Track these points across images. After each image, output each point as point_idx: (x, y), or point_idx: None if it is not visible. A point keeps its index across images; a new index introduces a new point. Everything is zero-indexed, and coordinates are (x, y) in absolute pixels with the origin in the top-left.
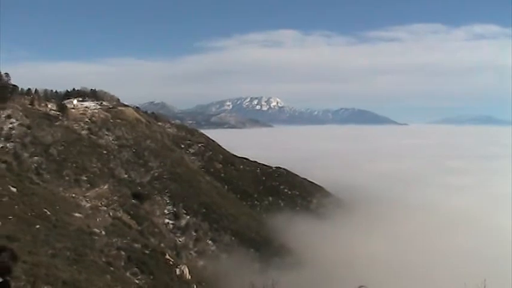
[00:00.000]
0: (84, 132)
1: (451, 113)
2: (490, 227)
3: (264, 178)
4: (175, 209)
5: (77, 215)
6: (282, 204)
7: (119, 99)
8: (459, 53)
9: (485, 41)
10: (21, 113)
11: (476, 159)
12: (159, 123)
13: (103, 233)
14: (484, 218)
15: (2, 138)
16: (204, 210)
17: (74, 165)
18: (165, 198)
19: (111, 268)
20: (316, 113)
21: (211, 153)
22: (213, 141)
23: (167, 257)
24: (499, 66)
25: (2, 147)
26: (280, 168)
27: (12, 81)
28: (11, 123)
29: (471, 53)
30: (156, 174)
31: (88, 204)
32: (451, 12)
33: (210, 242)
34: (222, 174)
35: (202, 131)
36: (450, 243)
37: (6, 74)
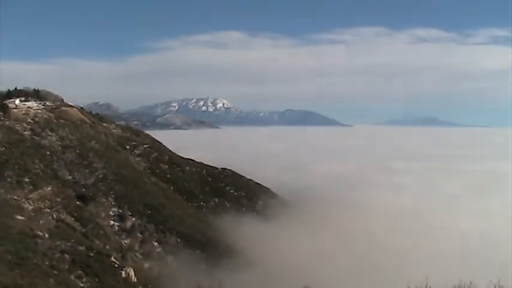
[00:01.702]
0: (26, 132)
1: (395, 115)
2: (433, 226)
3: (210, 179)
4: (120, 211)
5: (19, 217)
6: (228, 205)
7: (62, 100)
8: (403, 56)
9: (428, 44)
10: None
11: (420, 160)
12: (104, 124)
13: (46, 235)
14: (427, 217)
15: None
16: (149, 211)
17: (16, 166)
18: (110, 199)
19: (55, 271)
20: (262, 114)
21: (156, 154)
22: (159, 142)
23: (112, 259)
24: (441, 69)
25: None
26: (226, 169)
27: None
28: None
29: (414, 56)
30: (100, 175)
31: (31, 207)
32: (394, 16)
33: (155, 243)
34: (168, 176)
35: (147, 132)
36: (394, 242)
37: None
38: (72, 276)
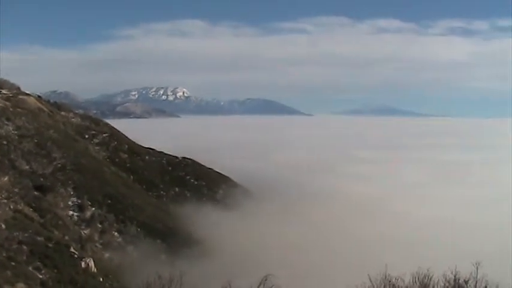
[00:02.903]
0: None
1: (355, 104)
2: (396, 214)
3: (170, 168)
4: (79, 201)
5: None
6: (188, 194)
7: (19, 88)
8: (363, 46)
9: (389, 35)
10: None
11: (382, 149)
12: (62, 113)
13: (3, 226)
14: (390, 205)
15: None
16: (109, 201)
17: None
18: (69, 189)
19: (12, 263)
20: (222, 103)
21: (116, 143)
22: (118, 131)
23: (72, 250)
24: (401, 59)
25: None
26: (187, 158)
27: None
28: None
29: (375, 46)
30: (59, 165)
31: None
32: (356, 6)
33: (115, 233)
34: (128, 165)
35: (107, 121)
36: (357, 230)
37: None
38: (30, 268)
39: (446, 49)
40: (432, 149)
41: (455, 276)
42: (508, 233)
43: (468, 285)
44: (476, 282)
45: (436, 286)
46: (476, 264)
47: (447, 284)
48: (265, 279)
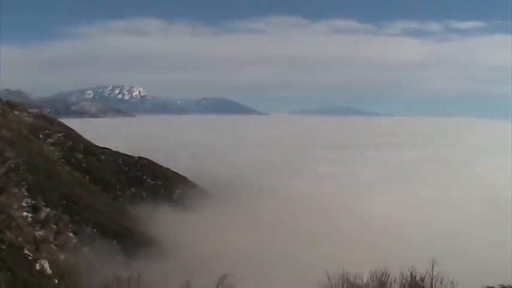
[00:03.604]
0: None
1: (312, 104)
2: (352, 213)
3: (126, 168)
4: (33, 202)
5: None
6: (144, 194)
7: None
8: (320, 46)
9: (345, 36)
10: None
11: (338, 149)
12: (16, 112)
13: None
14: (347, 204)
15: None
16: (64, 202)
17: None
18: (22, 190)
19: None
20: (179, 102)
21: (71, 143)
22: (74, 130)
23: (26, 251)
24: (357, 59)
25: None
26: (143, 158)
27: None
28: None
29: (331, 46)
30: (12, 165)
31: None
32: (312, 6)
33: (71, 234)
34: (83, 165)
35: (62, 120)
36: (314, 230)
37: None
38: None
39: (401, 49)
40: (387, 148)
41: (411, 274)
42: (461, 230)
43: (424, 282)
44: (432, 279)
45: (393, 284)
46: (432, 261)
47: (404, 282)
48: (223, 279)
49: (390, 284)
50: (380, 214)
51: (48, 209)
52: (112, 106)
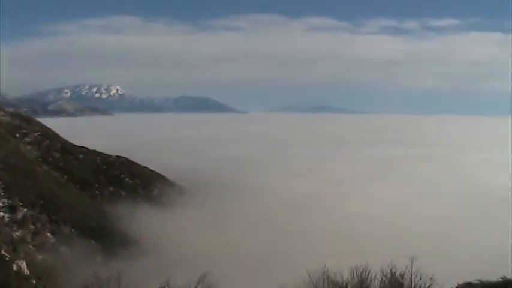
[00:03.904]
0: None
1: (291, 102)
2: (331, 210)
3: (104, 167)
4: (10, 202)
5: None
6: (123, 193)
7: None
8: (298, 44)
9: (323, 33)
10: None
11: (317, 146)
12: None
13: None
14: (331, 202)
15: None
16: (42, 201)
17: None
18: None
19: None
20: (157, 101)
21: (48, 142)
22: (51, 130)
23: (3, 252)
24: (336, 57)
25: None
26: (121, 157)
27: None
28: None
29: (310, 44)
30: None
31: None
32: (290, 4)
33: (49, 234)
34: (61, 164)
35: (38, 119)
36: (293, 226)
37: None
38: None
39: (379, 48)
40: (366, 146)
41: (391, 270)
42: (442, 227)
43: (404, 278)
44: (412, 275)
45: (373, 280)
46: (411, 258)
47: (384, 278)
48: (204, 277)
49: (370, 280)
50: (360, 211)
51: (25, 209)
52: (89, 105)
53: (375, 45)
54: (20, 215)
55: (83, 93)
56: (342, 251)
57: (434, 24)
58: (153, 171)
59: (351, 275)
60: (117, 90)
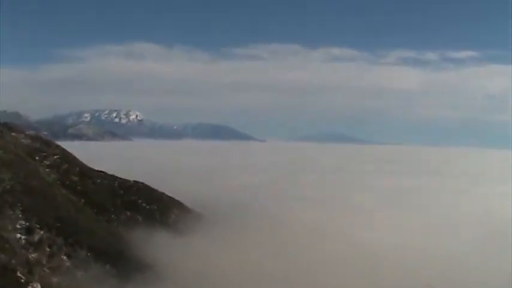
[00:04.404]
0: None
1: (308, 131)
2: (346, 238)
3: (121, 192)
4: (28, 224)
5: None
6: (140, 218)
7: None
8: (317, 73)
9: (342, 63)
10: None
11: (333, 174)
12: (13, 134)
13: None
14: (345, 231)
15: None
16: (58, 224)
17: None
18: (17, 212)
19: None
20: (176, 127)
21: (67, 165)
22: (70, 153)
23: (18, 274)
24: (354, 88)
25: None
26: (139, 182)
27: None
28: None
29: (329, 74)
30: (8, 186)
31: None
32: (309, 34)
33: (64, 257)
34: (79, 188)
35: (58, 142)
36: (305, 254)
37: None
38: None
39: (398, 78)
40: (381, 175)
41: None
42: (457, 258)
43: None
44: None
45: None
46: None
47: None
48: None
49: None
50: (372, 239)
51: (42, 232)
52: (109, 129)
53: (394, 76)
54: (36, 237)
55: (103, 117)
56: (353, 280)
57: (453, 56)
58: (171, 197)
59: None
60: (136, 116)
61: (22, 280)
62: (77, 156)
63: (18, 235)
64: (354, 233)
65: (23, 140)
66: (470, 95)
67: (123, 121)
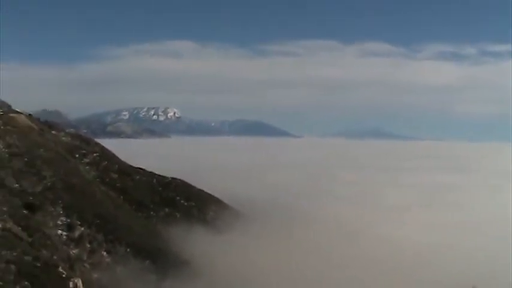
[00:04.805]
0: None
1: (344, 126)
2: (381, 237)
3: (160, 189)
4: (68, 220)
5: None
6: (178, 215)
7: (10, 106)
8: (353, 69)
9: (377, 58)
10: None
11: (369, 171)
12: (53, 132)
13: None
14: (381, 229)
15: None
16: (98, 221)
17: None
18: (58, 208)
19: (0, 282)
20: (213, 124)
21: (106, 163)
22: (109, 150)
23: (60, 269)
24: (390, 83)
25: None
26: (177, 179)
27: None
28: None
29: (364, 69)
30: (49, 184)
31: None
32: (344, 30)
33: (104, 253)
34: (118, 185)
35: (97, 140)
36: (342, 252)
37: None
38: (18, 287)
39: (434, 73)
40: (417, 172)
41: None
42: (496, 256)
43: None
44: None
45: None
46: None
47: None
48: None
49: None
50: (409, 238)
51: (82, 228)
52: (147, 127)
53: (430, 71)
54: (77, 234)
55: (141, 115)
56: (391, 279)
57: (492, 50)
58: (209, 193)
59: None
60: (174, 113)
61: (63, 276)
62: (116, 154)
63: (60, 231)
64: (387, 231)
65: (63, 138)
66: (510, 89)
67: (161, 118)
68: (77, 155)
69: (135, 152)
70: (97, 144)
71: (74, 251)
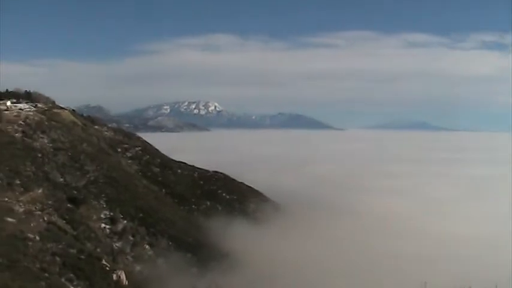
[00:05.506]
0: (18, 135)
1: (385, 119)
2: (426, 230)
3: (201, 182)
4: (111, 214)
5: (9, 219)
6: (219, 208)
7: (54, 102)
8: (392, 60)
9: (418, 49)
10: None
11: (411, 164)
12: (96, 127)
13: (37, 238)
14: (419, 220)
15: None
16: (141, 214)
17: (7, 168)
18: (101, 202)
19: (46, 274)
20: (254, 117)
21: (148, 157)
22: (151, 145)
23: (103, 262)
24: (431, 74)
25: None
26: (218, 172)
27: None
28: None
29: (404, 60)
30: (92, 178)
31: (21, 209)
32: (385, 20)
33: (147, 246)
34: (160, 178)
35: (139, 134)
36: (384, 245)
37: None
38: (63, 279)
39: (478, 63)
40: (460, 164)
41: None
42: None
43: None
44: None
45: None
46: None
47: None
48: None
49: None
50: (453, 230)
51: (125, 221)
52: (188, 121)
53: (472, 61)
54: (120, 227)
55: (182, 109)
56: (438, 271)
57: None
58: (249, 186)
59: None
60: (215, 107)
61: (107, 268)
62: (158, 148)
63: (103, 225)
64: (432, 224)
65: (105, 133)
66: None
67: (202, 112)
68: (119, 150)
69: (176, 146)
70: (139, 138)
71: (117, 244)
